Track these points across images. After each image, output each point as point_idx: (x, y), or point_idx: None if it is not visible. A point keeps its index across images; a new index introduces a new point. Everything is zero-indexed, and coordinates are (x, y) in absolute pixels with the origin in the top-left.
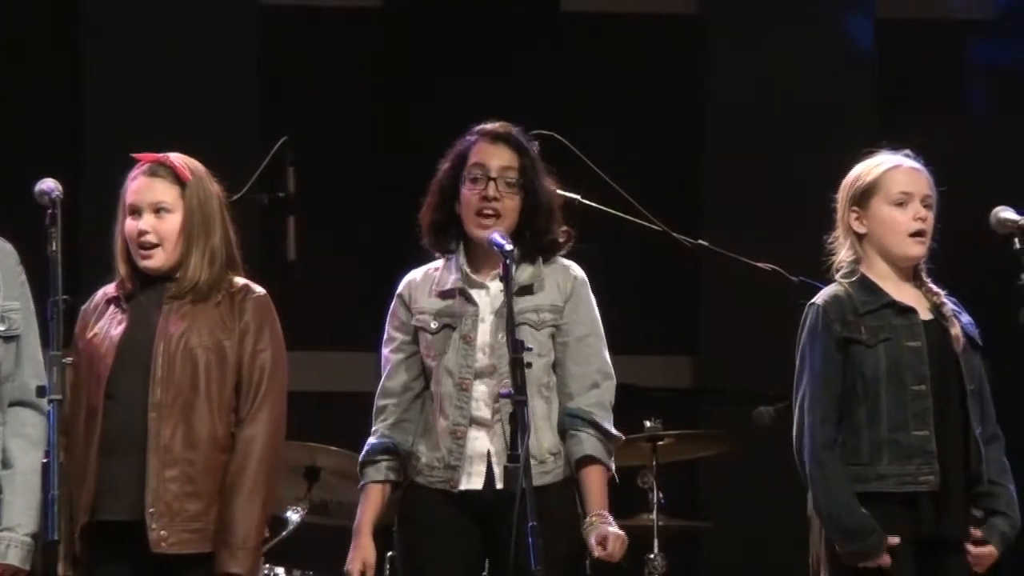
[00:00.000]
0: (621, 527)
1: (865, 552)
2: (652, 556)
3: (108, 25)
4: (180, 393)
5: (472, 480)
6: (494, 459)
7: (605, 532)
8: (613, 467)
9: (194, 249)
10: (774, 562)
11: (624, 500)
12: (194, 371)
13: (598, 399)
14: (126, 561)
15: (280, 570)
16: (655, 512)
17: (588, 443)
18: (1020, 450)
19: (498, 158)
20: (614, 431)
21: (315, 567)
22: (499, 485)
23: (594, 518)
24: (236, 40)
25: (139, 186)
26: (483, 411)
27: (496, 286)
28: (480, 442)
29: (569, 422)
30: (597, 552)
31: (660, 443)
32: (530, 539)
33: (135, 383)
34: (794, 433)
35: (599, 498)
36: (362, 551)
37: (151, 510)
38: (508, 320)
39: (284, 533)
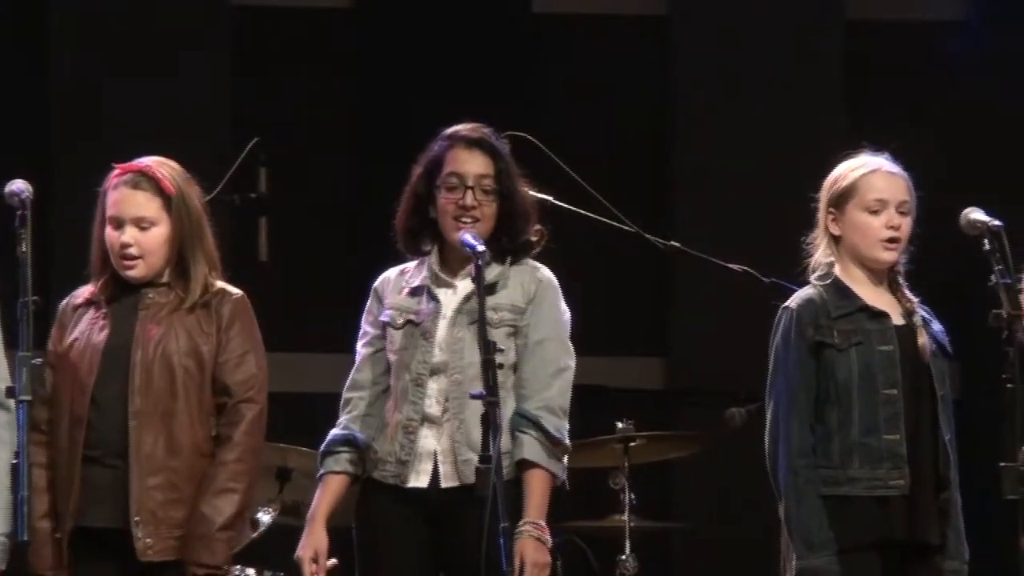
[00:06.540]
0: (592, 528)
1: (819, 570)
2: (624, 557)
3: (78, 25)
4: (160, 401)
5: (420, 478)
6: (440, 458)
7: (529, 557)
8: (559, 472)
9: (194, 261)
10: (745, 563)
11: (596, 501)
12: (172, 378)
13: (547, 403)
14: (110, 567)
15: (251, 571)
16: (627, 513)
17: (529, 447)
18: (985, 456)
19: (474, 166)
20: (558, 435)
21: (286, 568)
22: (443, 484)
23: (525, 527)
24: (208, 40)
25: (121, 198)
26: (434, 408)
27: (464, 285)
28: (428, 440)
29: (516, 422)
30: None
31: (632, 444)
32: (501, 540)
33: (116, 391)
34: (766, 439)
35: (534, 505)
36: (314, 538)
37: (136, 519)
38: (480, 321)
39: (255, 534)
